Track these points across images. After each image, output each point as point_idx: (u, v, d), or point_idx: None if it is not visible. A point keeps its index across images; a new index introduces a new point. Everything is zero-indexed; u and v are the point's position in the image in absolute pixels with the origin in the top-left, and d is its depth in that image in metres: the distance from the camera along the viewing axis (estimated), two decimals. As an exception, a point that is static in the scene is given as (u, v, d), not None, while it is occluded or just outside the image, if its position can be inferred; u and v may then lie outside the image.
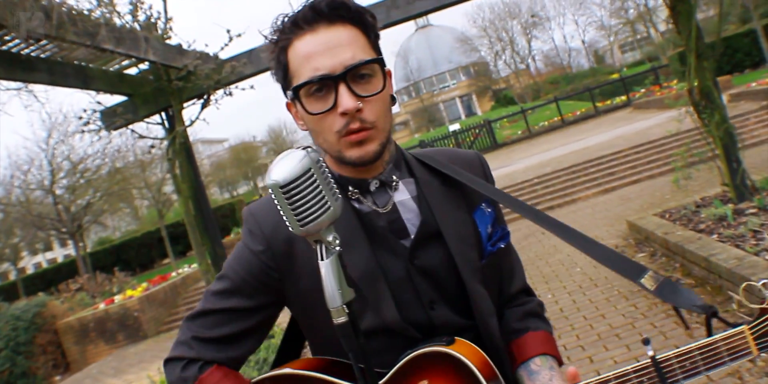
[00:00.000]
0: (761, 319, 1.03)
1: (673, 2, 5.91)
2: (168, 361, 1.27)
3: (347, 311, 0.95)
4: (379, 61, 1.17)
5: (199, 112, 6.01)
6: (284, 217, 0.96)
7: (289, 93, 1.19)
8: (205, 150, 56.08)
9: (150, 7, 5.49)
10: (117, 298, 13.24)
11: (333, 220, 0.96)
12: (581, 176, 12.57)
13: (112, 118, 5.88)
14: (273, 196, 0.94)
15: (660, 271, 5.60)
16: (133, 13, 5.26)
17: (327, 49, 1.12)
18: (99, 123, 5.98)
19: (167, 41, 5.70)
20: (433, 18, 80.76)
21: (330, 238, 0.97)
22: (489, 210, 1.34)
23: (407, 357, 1.17)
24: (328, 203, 0.94)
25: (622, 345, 4.39)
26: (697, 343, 1.05)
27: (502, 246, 1.33)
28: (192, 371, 1.23)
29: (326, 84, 1.13)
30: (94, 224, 28.23)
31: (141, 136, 6.00)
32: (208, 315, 1.26)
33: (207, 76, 5.74)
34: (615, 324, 4.81)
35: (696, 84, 5.99)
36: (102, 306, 12.89)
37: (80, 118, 5.85)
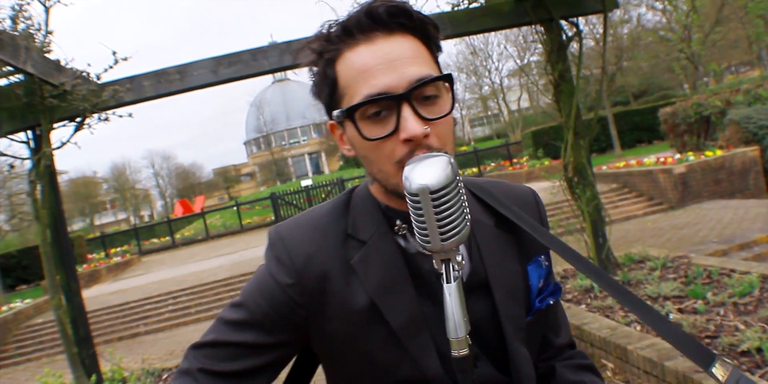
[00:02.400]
0: None
1: (557, 81, 6.24)
2: None
3: (470, 343, 0.87)
4: (448, 78, 1.01)
5: (72, 135, 5.52)
6: (420, 229, 0.86)
7: (337, 113, 1.01)
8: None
9: (30, 17, 5.04)
10: None
11: (466, 238, 0.88)
12: None
13: (-29, 130, 5.32)
14: (416, 202, 0.83)
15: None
16: (14, 18, 4.84)
17: (387, 62, 0.96)
18: (-45, 133, 5.37)
19: (46, 55, 5.26)
20: (291, 73, 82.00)
21: (459, 259, 0.87)
22: (546, 263, 1.21)
23: None
24: (467, 218, 0.85)
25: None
26: None
27: (551, 303, 1.20)
28: None
29: (387, 105, 0.97)
30: None
31: (2, 154, 5.44)
32: (220, 347, 1.09)
33: (84, 98, 5.33)
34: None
35: (571, 160, 6.30)
36: None
37: None
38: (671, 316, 4.68)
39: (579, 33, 6.26)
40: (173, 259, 22.27)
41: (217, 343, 1.09)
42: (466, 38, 42.25)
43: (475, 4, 6.59)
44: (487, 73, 48.70)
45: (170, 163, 75.74)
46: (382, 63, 0.96)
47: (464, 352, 0.86)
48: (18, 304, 14.07)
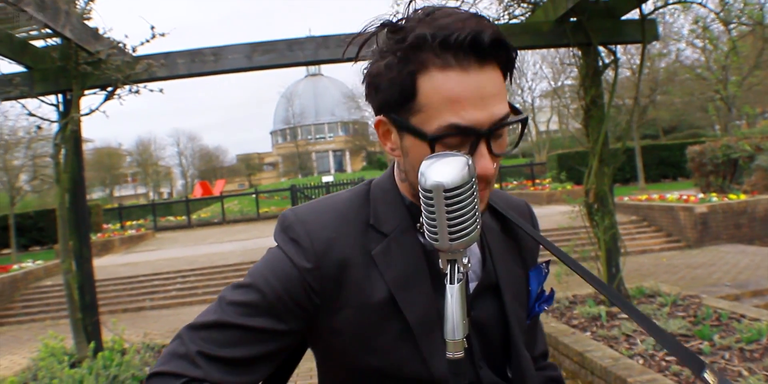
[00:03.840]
0: None
1: (588, 106, 6.21)
2: (156, 376, 0.99)
3: (467, 346, 0.86)
4: (525, 122, 1.00)
5: (101, 103, 5.56)
6: (430, 226, 0.86)
7: (414, 133, 0.95)
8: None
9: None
10: None
11: (475, 241, 0.87)
12: None
13: (5, 87, 5.33)
14: (429, 199, 0.84)
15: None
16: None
17: (479, 97, 0.91)
18: (-11, 89, 5.43)
19: (86, 21, 5.31)
20: (325, 69, 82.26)
21: (465, 261, 0.86)
22: (546, 270, 1.22)
23: None
24: (478, 221, 0.84)
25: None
26: None
27: (546, 308, 1.22)
28: None
29: (466, 137, 0.93)
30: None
31: (31, 114, 5.49)
32: (224, 329, 1.01)
33: (118, 69, 5.37)
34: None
35: (593, 187, 6.28)
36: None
37: None
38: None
39: (616, 60, 6.23)
40: (187, 238, 22.41)
41: (220, 324, 1.02)
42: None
43: (515, 21, 6.59)
44: (519, 91, 48.62)
45: (195, 143, 76.19)
46: (475, 97, 0.91)
47: (459, 354, 0.85)
48: (29, 265, 14.19)
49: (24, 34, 5.32)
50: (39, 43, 5.57)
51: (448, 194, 0.82)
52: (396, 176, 1.12)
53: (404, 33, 0.93)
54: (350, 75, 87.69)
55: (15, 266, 13.87)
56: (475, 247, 1.12)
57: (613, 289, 1.09)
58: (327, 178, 38.65)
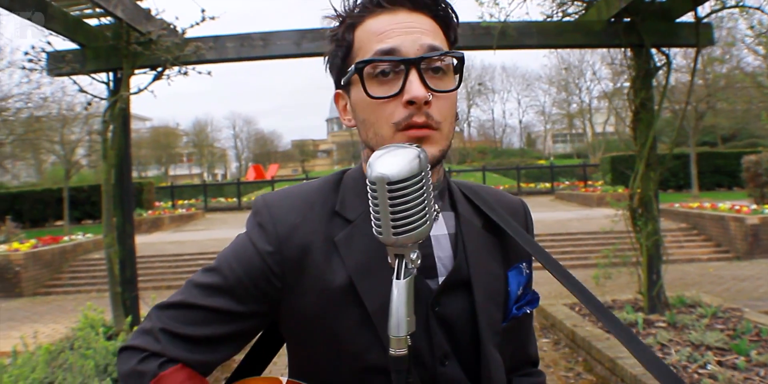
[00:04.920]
0: None
1: (637, 109, 6.10)
2: (124, 350, 1.06)
3: (409, 344, 0.84)
4: (461, 57, 1.02)
5: (149, 83, 5.65)
6: (375, 219, 0.84)
7: (348, 72, 1.02)
8: (127, 124, 54.65)
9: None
10: (1, 248, 12.34)
11: (424, 237, 0.85)
12: None
13: (58, 63, 5.46)
14: (373, 191, 0.82)
15: (562, 362, 5.65)
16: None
17: (405, 28, 0.99)
18: (43, 64, 5.56)
19: (138, 2, 5.40)
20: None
21: (413, 256, 0.85)
22: (527, 271, 1.19)
23: None
24: (427, 216, 0.81)
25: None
26: None
27: (528, 312, 1.17)
28: (151, 366, 1.01)
29: (396, 67, 0.98)
30: (-3, 166, 26.74)
31: (82, 90, 5.61)
32: (187, 309, 1.05)
33: (167, 50, 5.44)
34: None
35: (638, 191, 6.17)
36: (-17, 251, 11.98)
37: (26, 53, 5.37)
38: (709, 367, 4.55)
39: (669, 63, 6.09)
40: (236, 220, 22.63)
41: (185, 304, 1.06)
42: (562, 53, 41.70)
43: (568, 18, 6.52)
44: (577, 91, 48.01)
45: (251, 127, 76.94)
46: (401, 29, 0.99)
47: (402, 352, 0.84)
48: (79, 237, 14.58)
49: (78, 13, 5.44)
50: (93, 22, 5.70)
51: (392, 187, 0.80)
52: (363, 163, 1.12)
53: (347, 1, 1.05)
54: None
55: (65, 238, 14.25)
56: (447, 242, 1.10)
57: (594, 298, 1.04)
58: (378, 169, 38.74)
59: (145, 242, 13.29)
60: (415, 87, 0.96)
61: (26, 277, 11.61)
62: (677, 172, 24.57)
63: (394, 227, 0.82)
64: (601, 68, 43.56)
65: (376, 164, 0.82)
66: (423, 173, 0.83)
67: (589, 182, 28.53)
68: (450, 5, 1.06)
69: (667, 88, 6.33)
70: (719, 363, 4.63)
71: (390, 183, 0.80)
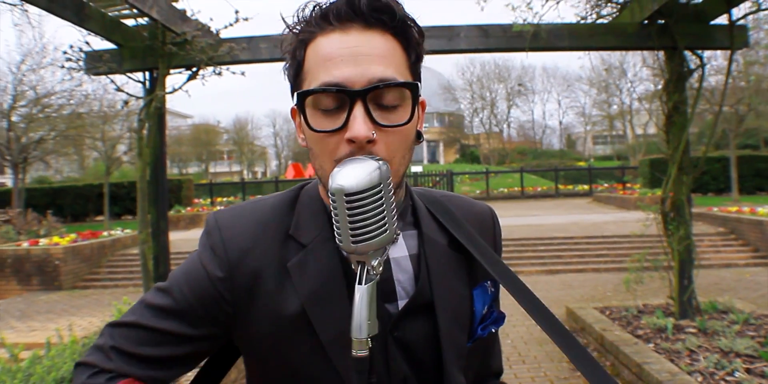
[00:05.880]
0: None
1: (670, 112, 6.04)
2: (79, 365, 1.06)
3: (370, 346, 0.87)
4: (413, 87, 0.96)
5: (184, 83, 5.79)
6: (336, 228, 0.87)
7: (295, 97, 0.96)
8: (168, 121, 55.30)
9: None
10: (42, 241, 12.64)
11: (386, 244, 0.87)
12: (529, 251, 12.60)
13: (96, 63, 5.63)
14: (333, 202, 0.84)
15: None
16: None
17: (353, 55, 0.92)
18: (81, 63, 5.74)
19: (173, 3, 5.52)
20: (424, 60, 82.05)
21: (374, 263, 0.86)
22: (492, 289, 1.15)
23: None
24: (387, 225, 0.84)
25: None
26: None
27: (493, 331, 1.15)
28: (99, 380, 1.01)
29: (341, 99, 0.92)
30: (39, 161, 27.39)
31: (119, 89, 5.75)
32: (137, 329, 1.04)
33: (202, 50, 5.55)
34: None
35: (670, 195, 6.11)
36: (25, 245, 12.25)
37: (65, 53, 5.57)
38: (737, 374, 4.50)
39: (703, 66, 6.01)
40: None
41: (135, 325, 1.05)
42: (603, 54, 41.16)
43: (602, 20, 6.47)
44: (618, 92, 47.37)
45: (291, 126, 76.67)
46: (349, 55, 0.92)
47: (363, 353, 0.86)
48: (118, 233, 14.88)
49: (116, 13, 5.56)
50: (129, 22, 5.82)
51: (349, 198, 0.83)
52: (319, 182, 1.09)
53: (301, 14, 0.98)
54: (448, 66, 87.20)
55: (105, 233, 14.54)
56: (407, 264, 1.07)
57: (559, 323, 1.02)
58: (416, 168, 38.60)
59: (182, 239, 13.47)
60: (357, 124, 0.90)
61: (65, 270, 11.85)
62: (717, 175, 24.18)
63: (353, 236, 0.84)
64: (642, 69, 43.00)
65: (336, 176, 0.85)
66: (382, 185, 0.85)
67: (628, 185, 28.19)
68: (410, 19, 0.98)
69: (703, 90, 6.25)
70: (747, 370, 4.57)
71: (348, 194, 0.83)
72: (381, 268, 0.88)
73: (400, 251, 1.07)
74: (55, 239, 12.87)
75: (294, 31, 0.99)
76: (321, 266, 1.01)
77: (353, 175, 0.84)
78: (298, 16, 0.99)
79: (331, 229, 1.01)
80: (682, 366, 4.72)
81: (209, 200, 28.92)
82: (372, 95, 0.92)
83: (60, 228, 15.82)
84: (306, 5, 0.98)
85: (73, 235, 13.51)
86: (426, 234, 1.09)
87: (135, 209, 23.14)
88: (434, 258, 1.08)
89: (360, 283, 0.87)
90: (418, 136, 1.03)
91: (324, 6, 0.96)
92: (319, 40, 0.96)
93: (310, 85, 0.95)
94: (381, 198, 0.85)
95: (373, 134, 0.91)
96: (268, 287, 1.02)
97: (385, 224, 0.86)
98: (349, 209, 0.83)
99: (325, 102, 0.93)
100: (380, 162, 0.87)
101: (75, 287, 11.94)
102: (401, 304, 1.05)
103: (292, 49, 1.00)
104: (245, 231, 1.05)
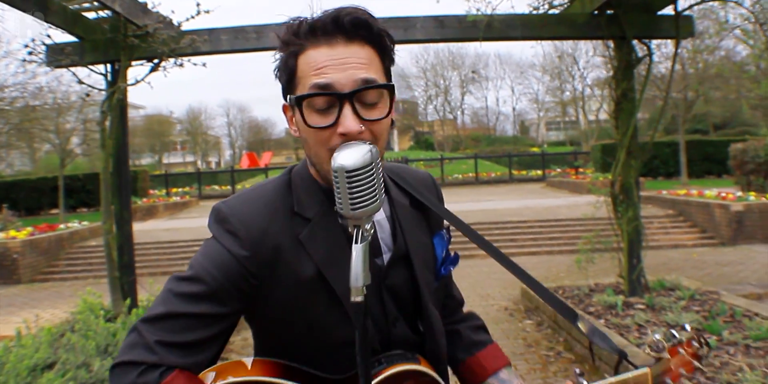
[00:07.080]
0: (658, 364, 1.24)
1: (618, 99, 6.29)
2: (118, 366, 1.12)
3: (365, 293, 1.02)
4: (390, 88, 1.17)
5: (146, 75, 5.85)
6: (338, 199, 1.03)
7: (291, 99, 1.16)
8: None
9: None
10: None
11: (377, 211, 1.06)
12: (484, 235, 12.57)
13: (57, 56, 5.65)
14: (336, 177, 1.02)
15: (543, 342, 5.89)
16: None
17: (340, 65, 1.12)
18: (42, 57, 5.74)
19: (135, -4, 5.55)
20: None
21: (368, 226, 1.05)
22: (448, 236, 1.44)
23: (387, 373, 1.22)
24: (377, 196, 1.04)
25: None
26: (612, 379, 1.17)
27: (452, 269, 1.44)
28: (152, 376, 1.10)
29: (331, 100, 1.12)
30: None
31: (80, 82, 5.79)
32: (173, 318, 1.14)
33: (164, 42, 5.62)
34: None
35: (619, 178, 6.37)
36: (-20, 239, 12.14)
37: (26, 46, 5.55)
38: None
39: (650, 55, 6.28)
40: (229, 207, 22.72)
41: (172, 315, 1.14)
42: (557, 42, 41.66)
43: (553, 11, 6.69)
44: (570, 79, 48.09)
45: (245, 115, 76.26)
46: (337, 65, 1.12)
47: (359, 299, 1.01)
48: (75, 225, 14.79)
49: (77, 6, 5.60)
50: (91, 15, 5.85)
51: (349, 174, 1.01)
52: (309, 163, 1.28)
53: (292, 29, 1.16)
54: (402, 53, 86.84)
55: (62, 226, 14.43)
56: (386, 224, 1.33)
57: (498, 251, 1.35)
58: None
59: (140, 230, 13.39)
60: (348, 121, 1.10)
61: (24, 264, 11.81)
62: (667, 159, 24.83)
63: (352, 205, 1.02)
64: (594, 56, 43.65)
65: (338, 157, 1.03)
66: (373, 164, 1.04)
67: (580, 170, 28.74)
68: (385, 32, 1.19)
69: (653, 77, 6.50)
70: (691, 342, 4.83)
71: (348, 171, 1.01)
72: (372, 230, 1.08)
73: (380, 214, 1.31)
74: (12, 233, 12.73)
75: (284, 41, 1.17)
76: (328, 235, 1.22)
77: (352, 156, 1.03)
78: (289, 30, 1.17)
79: (328, 205, 1.23)
80: (631, 339, 4.98)
81: (165, 191, 28.64)
82: (357, 96, 1.12)
83: (16, 222, 15.58)
84: (296, 19, 1.17)
85: (29, 229, 13.38)
86: (395, 199, 1.35)
87: (90, 201, 22.91)
88: (403, 217, 1.34)
89: (356, 242, 1.04)
90: (392, 123, 1.24)
91: (311, 22, 1.14)
92: (309, 52, 1.14)
93: (304, 89, 1.14)
94: (373, 174, 1.04)
95: (361, 128, 1.12)
96: (287, 258, 1.20)
97: (376, 195, 1.05)
98: (349, 183, 1.01)
99: (318, 102, 1.13)
100: (371, 146, 1.08)
101: (34, 280, 11.88)
102: (386, 257, 1.30)
103: (284, 59, 1.18)
104: (258, 213, 1.22)
